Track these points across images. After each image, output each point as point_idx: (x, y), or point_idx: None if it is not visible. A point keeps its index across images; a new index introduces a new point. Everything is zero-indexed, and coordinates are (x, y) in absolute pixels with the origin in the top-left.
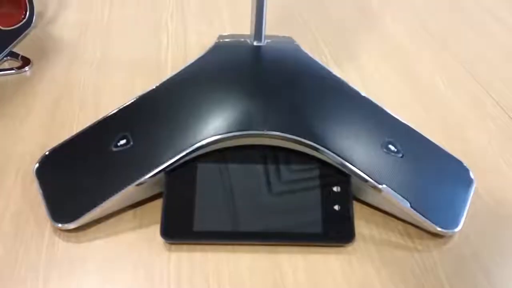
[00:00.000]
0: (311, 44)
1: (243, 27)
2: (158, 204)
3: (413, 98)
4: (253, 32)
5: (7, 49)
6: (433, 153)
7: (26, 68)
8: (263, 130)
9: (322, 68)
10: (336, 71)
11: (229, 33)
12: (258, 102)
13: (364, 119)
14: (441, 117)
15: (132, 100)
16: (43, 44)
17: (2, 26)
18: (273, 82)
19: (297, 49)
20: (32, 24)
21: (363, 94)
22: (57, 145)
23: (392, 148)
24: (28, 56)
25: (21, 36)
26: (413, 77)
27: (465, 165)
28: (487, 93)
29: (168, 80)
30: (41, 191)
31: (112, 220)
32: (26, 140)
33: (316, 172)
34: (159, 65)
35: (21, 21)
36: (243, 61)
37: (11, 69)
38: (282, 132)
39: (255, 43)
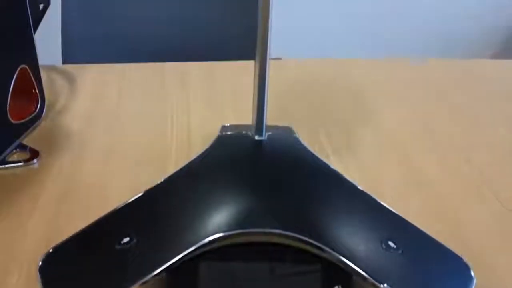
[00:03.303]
0: (310, 134)
1: (246, 114)
2: None
3: (411, 189)
4: (254, 125)
5: (16, 142)
6: (432, 248)
7: (34, 161)
8: (264, 228)
9: (322, 163)
10: (335, 161)
11: (231, 124)
12: (260, 200)
13: (363, 215)
14: (439, 209)
15: (136, 197)
16: (52, 135)
17: (13, 119)
18: (274, 179)
19: (297, 142)
20: (42, 116)
21: (361, 188)
22: (60, 242)
23: (392, 244)
24: (36, 148)
25: (31, 128)
26: (410, 167)
27: (465, 261)
28: (486, 185)
29: (171, 176)
30: None
31: None
32: (31, 236)
33: (317, 271)
34: (164, 155)
35: (32, 113)
36: (244, 158)
37: (19, 161)
38: (284, 230)
39: (256, 137)
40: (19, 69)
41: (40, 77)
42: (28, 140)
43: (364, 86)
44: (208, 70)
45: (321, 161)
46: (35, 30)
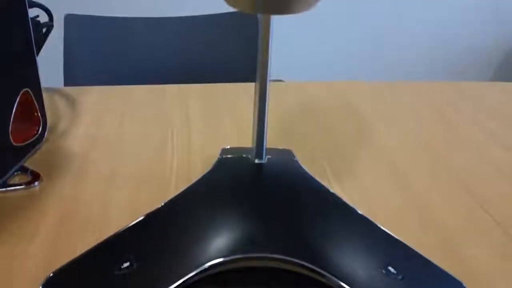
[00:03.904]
0: (309, 156)
1: (246, 136)
2: None
3: (410, 214)
4: (254, 149)
5: (17, 165)
6: (432, 274)
7: (35, 183)
8: (264, 253)
9: (322, 187)
10: (334, 185)
11: (231, 146)
12: (260, 225)
13: (364, 240)
14: (439, 233)
15: (136, 221)
16: (53, 157)
17: (15, 142)
18: (275, 203)
19: (297, 166)
20: (44, 139)
21: (361, 213)
22: (60, 267)
23: (392, 270)
24: (37, 171)
25: (33, 151)
26: (410, 191)
27: (464, 286)
28: (483, 209)
29: (171, 200)
30: None
31: None
32: (32, 260)
33: None
34: (165, 177)
35: (33, 136)
36: (245, 182)
37: (20, 184)
38: (284, 255)
39: (256, 161)
40: (21, 92)
41: (42, 100)
42: (30, 162)
43: (365, 109)
44: (208, 92)
45: (321, 185)
46: (37, 52)
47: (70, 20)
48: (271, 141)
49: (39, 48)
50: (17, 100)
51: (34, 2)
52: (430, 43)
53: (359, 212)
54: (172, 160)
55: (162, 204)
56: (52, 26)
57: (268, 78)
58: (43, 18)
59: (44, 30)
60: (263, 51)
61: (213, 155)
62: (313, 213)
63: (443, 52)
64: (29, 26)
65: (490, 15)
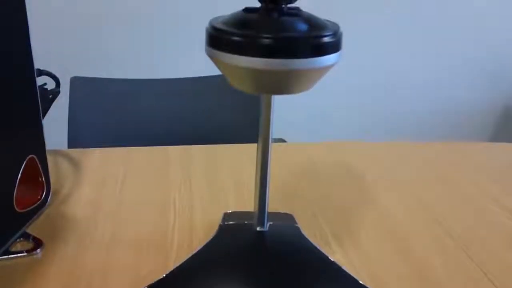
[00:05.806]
0: (310, 220)
1: (247, 196)
2: None
3: (411, 279)
4: (256, 215)
5: (20, 232)
6: None
7: (38, 251)
8: None
9: (323, 256)
10: (335, 249)
11: (233, 210)
12: None
13: None
14: None
15: None
16: (56, 223)
17: (19, 208)
18: (276, 275)
19: (298, 233)
20: (47, 204)
21: (362, 283)
22: None
23: None
24: (39, 236)
25: (35, 216)
26: (411, 256)
27: None
28: (486, 276)
29: (173, 271)
30: None
31: None
32: None
33: None
34: (166, 243)
35: (36, 201)
36: (246, 252)
37: (22, 251)
38: None
39: (258, 229)
40: (27, 158)
41: (47, 165)
42: (32, 227)
43: (365, 170)
44: (210, 153)
45: (323, 253)
46: (43, 116)
47: (76, 82)
48: (272, 203)
49: (44, 113)
50: (23, 166)
51: (43, 70)
52: (430, 103)
53: (360, 282)
54: (174, 224)
55: (164, 275)
56: (59, 92)
57: (270, 150)
58: (50, 82)
59: (50, 96)
60: (265, 126)
61: (215, 219)
62: (313, 285)
63: (443, 112)
64: (37, 95)
65: (486, 78)
